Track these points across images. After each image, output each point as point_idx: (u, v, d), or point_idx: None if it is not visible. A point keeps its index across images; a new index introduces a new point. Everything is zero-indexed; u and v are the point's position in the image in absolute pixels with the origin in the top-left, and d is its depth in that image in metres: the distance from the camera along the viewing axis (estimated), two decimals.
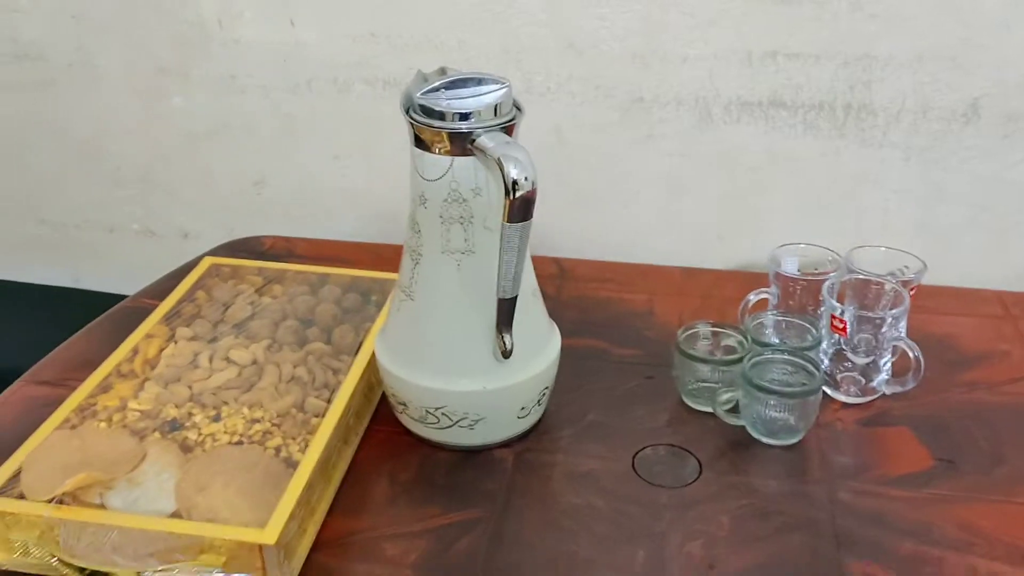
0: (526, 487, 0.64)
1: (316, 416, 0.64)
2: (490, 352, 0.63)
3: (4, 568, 0.54)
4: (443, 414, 0.64)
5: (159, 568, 0.51)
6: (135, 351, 0.70)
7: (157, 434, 0.62)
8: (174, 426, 0.63)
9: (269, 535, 0.51)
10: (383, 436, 0.68)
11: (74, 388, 0.65)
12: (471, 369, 0.63)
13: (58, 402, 0.64)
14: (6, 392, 0.72)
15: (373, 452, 0.67)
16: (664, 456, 0.67)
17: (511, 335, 0.62)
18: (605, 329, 0.82)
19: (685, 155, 0.91)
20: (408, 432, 0.68)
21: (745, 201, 0.92)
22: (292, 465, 0.59)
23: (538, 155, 0.56)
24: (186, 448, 0.61)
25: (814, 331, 0.73)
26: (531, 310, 0.65)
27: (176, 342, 0.72)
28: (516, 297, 0.61)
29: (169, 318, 0.74)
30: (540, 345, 0.66)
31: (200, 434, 0.62)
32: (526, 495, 0.63)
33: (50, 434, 0.58)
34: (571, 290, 0.88)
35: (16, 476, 0.55)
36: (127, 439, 0.59)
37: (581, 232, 0.96)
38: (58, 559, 0.52)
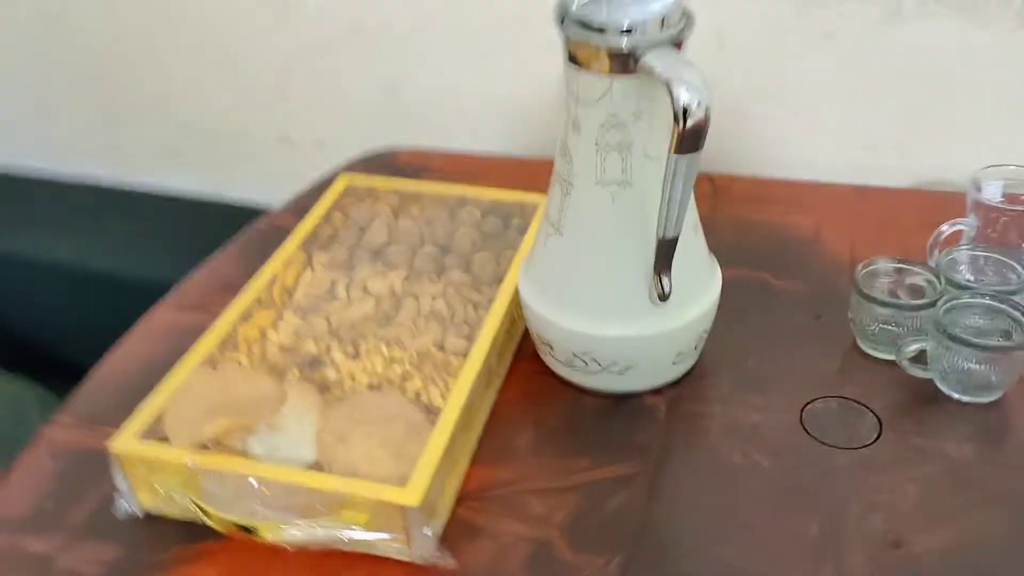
0: (682, 441, 0.59)
1: (456, 356, 0.60)
2: (645, 294, 0.57)
3: (150, 511, 0.54)
4: (592, 359, 0.59)
5: (300, 522, 0.49)
6: (273, 277, 0.67)
7: (296, 371, 0.60)
8: (313, 363, 0.60)
9: (413, 495, 0.48)
10: (525, 375, 0.64)
11: (214, 312, 0.64)
12: (623, 312, 0.58)
13: (199, 329, 0.62)
14: (148, 318, 0.71)
15: (516, 393, 0.63)
16: (837, 410, 0.60)
17: (670, 277, 0.56)
18: (764, 258, 0.74)
19: (868, 56, 0.80)
20: (552, 372, 0.63)
21: (937, 110, 0.80)
22: (433, 412, 0.55)
23: (694, 60, 0.49)
24: (324, 388, 0.58)
25: (1020, 270, 0.63)
26: (692, 247, 0.58)
27: (313, 268, 0.69)
28: (678, 237, 0.54)
29: (306, 242, 0.71)
30: (700, 285, 0.60)
31: (338, 372, 0.59)
32: (682, 450, 0.58)
33: (191, 374, 0.57)
34: (725, 211, 0.80)
35: (159, 418, 0.54)
36: (267, 380, 0.56)
37: (739, 146, 0.87)
38: (198, 506, 0.50)
